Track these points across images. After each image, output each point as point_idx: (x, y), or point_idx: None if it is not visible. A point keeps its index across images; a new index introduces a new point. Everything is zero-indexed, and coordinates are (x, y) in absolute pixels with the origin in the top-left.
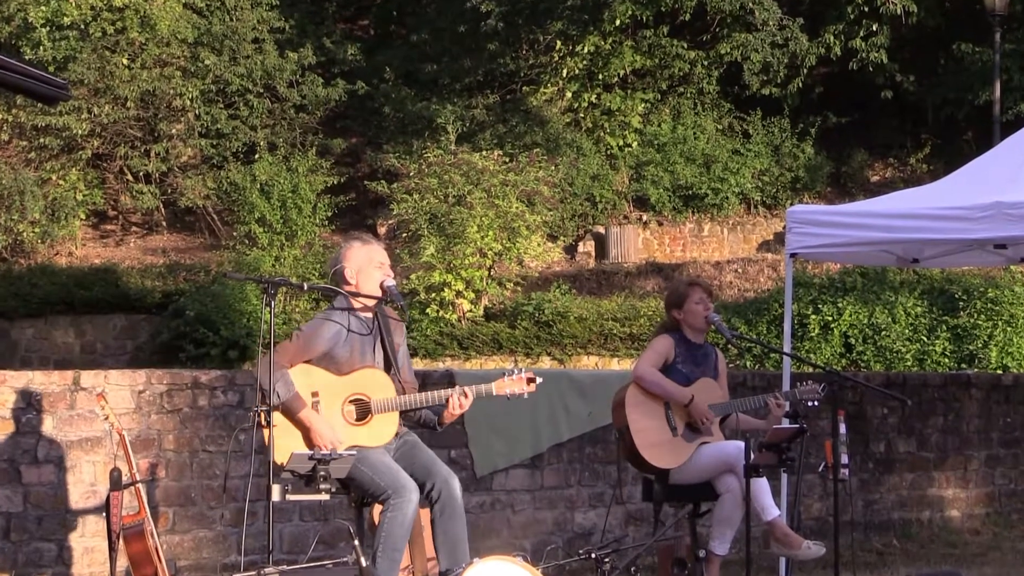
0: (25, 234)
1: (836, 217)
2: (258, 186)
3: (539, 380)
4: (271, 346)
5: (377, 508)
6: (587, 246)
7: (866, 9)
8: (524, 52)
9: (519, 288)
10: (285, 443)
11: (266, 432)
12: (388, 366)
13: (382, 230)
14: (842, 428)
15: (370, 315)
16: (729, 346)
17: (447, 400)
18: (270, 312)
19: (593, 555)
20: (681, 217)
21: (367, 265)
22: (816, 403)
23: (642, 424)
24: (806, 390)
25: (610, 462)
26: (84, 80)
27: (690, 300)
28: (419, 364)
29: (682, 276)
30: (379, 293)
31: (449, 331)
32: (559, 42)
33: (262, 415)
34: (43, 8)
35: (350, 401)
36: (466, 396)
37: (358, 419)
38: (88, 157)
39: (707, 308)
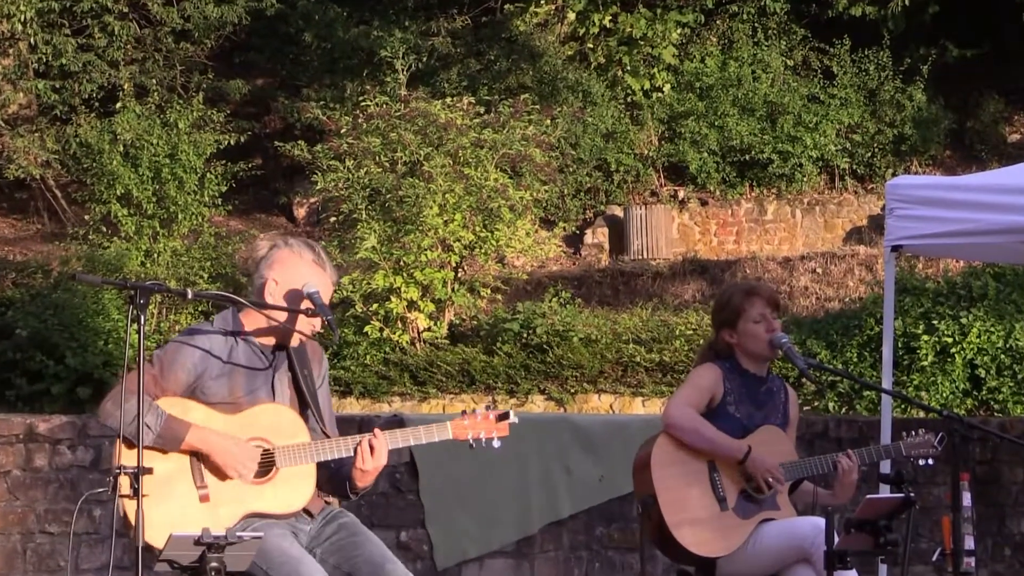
0: None
1: (958, 194)
2: (120, 148)
3: (514, 419)
4: (140, 374)
5: None
6: (598, 235)
7: None
8: None
9: (499, 296)
10: (161, 518)
11: (130, 504)
12: (304, 409)
13: (300, 211)
14: (966, 498)
15: (271, 342)
16: (803, 380)
17: (355, 449)
18: (139, 331)
19: None
20: (734, 193)
21: (296, 291)
22: (930, 462)
23: (676, 493)
24: (915, 443)
25: (631, 548)
26: None
27: (747, 316)
28: (355, 406)
29: (736, 279)
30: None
31: (398, 359)
32: None
33: (126, 479)
34: None
35: None
36: (375, 439)
37: (257, 474)
38: None
39: (771, 327)
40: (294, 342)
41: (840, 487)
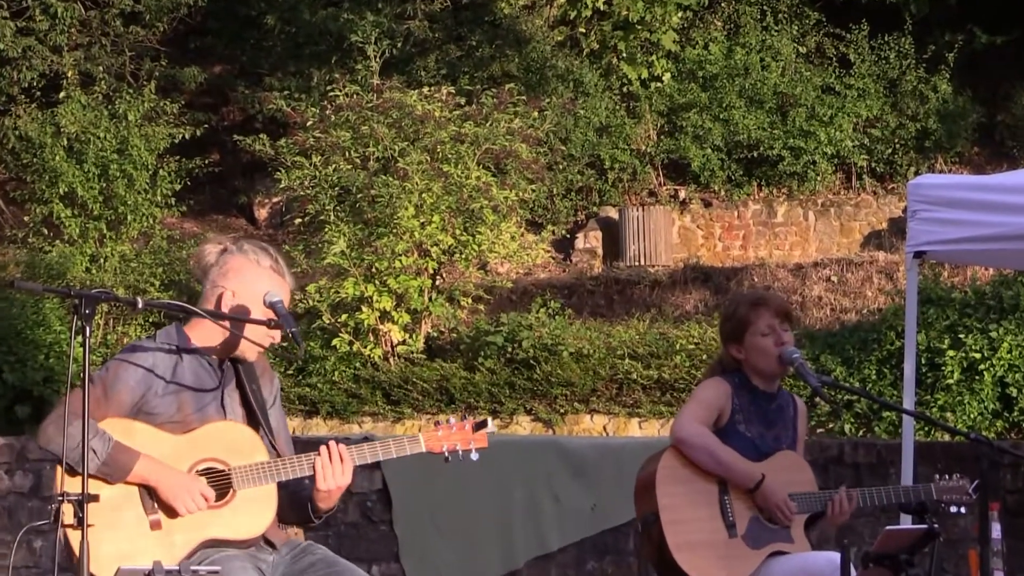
0: None
1: (987, 194)
2: (64, 142)
3: (492, 428)
4: (85, 392)
5: None
6: (590, 239)
7: None
8: None
9: (481, 307)
10: (109, 549)
11: (74, 534)
12: (255, 427)
13: (262, 212)
14: (996, 530)
15: (223, 355)
16: (817, 400)
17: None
18: (83, 344)
19: None
20: (741, 193)
21: (254, 303)
22: (962, 510)
23: (681, 513)
24: (948, 487)
25: None
26: None
27: (754, 329)
28: (322, 427)
29: (743, 288)
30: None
31: (370, 375)
32: None
33: (70, 507)
34: None
35: (199, 471)
36: (332, 449)
37: (213, 498)
38: None
39: (781, 341)
40: (252, 356)
41: (826, 523)
